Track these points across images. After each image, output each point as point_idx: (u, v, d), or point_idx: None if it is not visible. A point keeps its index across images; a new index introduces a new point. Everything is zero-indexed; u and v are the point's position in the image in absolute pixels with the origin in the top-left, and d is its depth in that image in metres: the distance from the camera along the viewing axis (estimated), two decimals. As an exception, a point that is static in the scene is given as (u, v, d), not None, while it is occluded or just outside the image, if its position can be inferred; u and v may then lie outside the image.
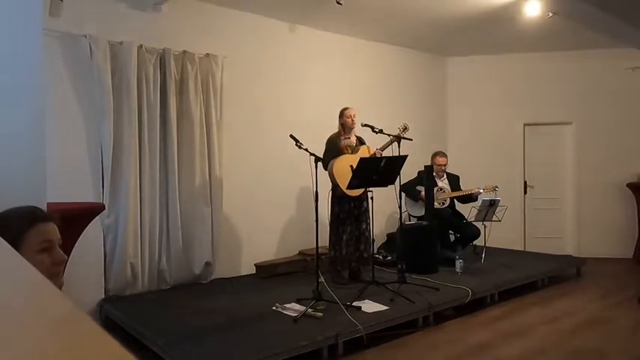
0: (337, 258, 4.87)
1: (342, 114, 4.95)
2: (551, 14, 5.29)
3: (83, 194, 4.23)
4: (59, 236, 1.48)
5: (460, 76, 7.55)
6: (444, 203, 5.94)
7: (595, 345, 3.74)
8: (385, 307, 4.02)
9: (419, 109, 7.06)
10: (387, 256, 5.92)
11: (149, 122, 4.57)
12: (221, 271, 5.10)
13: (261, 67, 5.51)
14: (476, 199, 5.84)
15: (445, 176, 6.08)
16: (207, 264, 4.90)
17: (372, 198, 4.67)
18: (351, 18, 5.61)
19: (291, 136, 4.25)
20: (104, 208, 3.87)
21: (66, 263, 1.52)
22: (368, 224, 4.94)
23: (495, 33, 6.23)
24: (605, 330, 4.06)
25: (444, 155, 6.11)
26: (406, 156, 4.46)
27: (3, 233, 1.34)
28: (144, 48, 4.56)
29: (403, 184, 5.51)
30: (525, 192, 7.39)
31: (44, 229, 1.43)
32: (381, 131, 4.63)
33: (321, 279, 4.22)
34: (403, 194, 5.76)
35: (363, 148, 4.90)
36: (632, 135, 7.02)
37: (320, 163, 4.22)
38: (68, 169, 4.20)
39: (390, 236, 6.42)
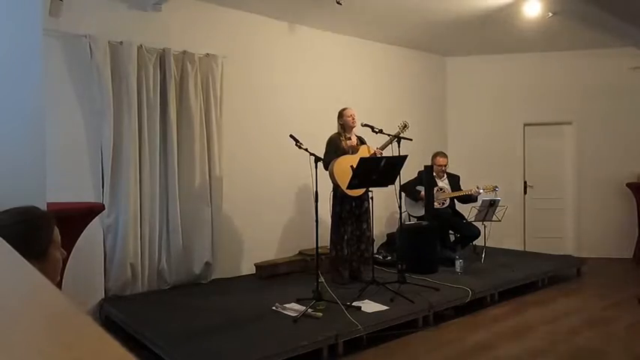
0: (338, 258, 4.87)
1: (341, 114, 4.95)
2: (551, 14, 5.29)
3: (83, 194, 4.23)
4: None
5: (460, 76, 7.55)
6: (443, 203, 5.94)
7: (595, 345, 3.74)
8: (385, 307, 4.02)
9: (419, 108, 7.06)
10: (387, 256, 5.91)
11: (149, 122, 4.57)
12: (221, 271, 5.10)
13: (261, 67, 5.51)
14: (476, 200, 5.84)
15: (445, 176, 6.08)
16: (207, 264, 4.90)
17: (372, 198, 4.67)
18: (351, 18, 5.61)
19: (291, 136, 4.26)
20: (104, 208, 3.87)
21: (65, 261, 1.57)
22: (369, 224, 4.94)
23: (495, 33, 6.23)
24: (605, 330, 4.06)
25: (444, 155, 6.11)
26: (406, 156, 4.46)
27: (37, 233, 1.41)
28: (144, 48, 4.56)
29: (403, 184, 5.51)
30: (525, 192, 7.39)
31: (56, 229, 1.54)
32: (380, 131, 4.63)
33: (321, 279, 4.22)
34: (403, 194, 5.76)
35: (363, 147, 4.90)
36: (632, 135, 7.02)
37: (320, 163, 4.23)
38: (68, 169, 4.20)
39: (390, 236, 6.42)
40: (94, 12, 4.38)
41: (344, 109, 4.96)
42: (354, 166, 4.33)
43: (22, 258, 0.80)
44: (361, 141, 5.01)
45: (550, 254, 6.48)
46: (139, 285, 4.53)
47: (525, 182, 7.39)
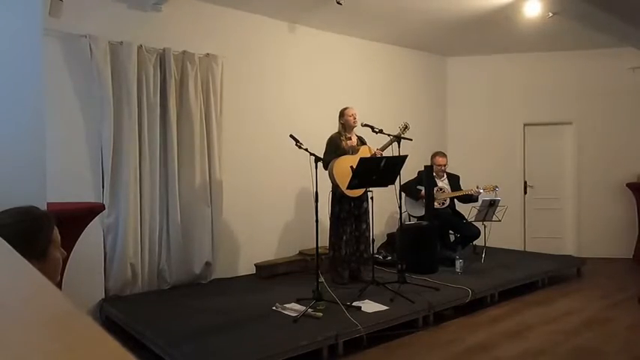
0: (337, 258, 4.87)
1: (342, 114, 4.95)
2: (551, 14, 5.29)
3: (83, 194, 4.24)
4: None
5: (460, 76, 7.55)
6: (443, 203, 5.94)
7: (595, 345, 3.74)
8: (385, 307, 4.02)
9: (419, 109, 7.06)
10: (387, 256, 5.91)
11: (149, 122, 4.57)
12: (221, 271, 5.10)
13: (261, 67, 5.51)
14: (476, 200, 5.84)
15: (445, 176, 6.08)
16: (207, 264, 4.90)
17: (372, 198, 4.67)
18: (351, 18, 5.60)
19: (291, 136, 4.25)
20: (104, 208, 3.87)
21: (65, 261, 1.57)
22: (368, 224, 4.93)
23: (495, 33, 6.23)
24: (605, 330, 4.06)
25: (444, 155, 6.11)
26: (406, 156, 4.46)
27: (37, 232, 1.40)
28: (144, 48, 4.56)
29: (403, 184, 5.51)
30: (525, 192, 7.39)
31: (56, 229, 1.54)
32: (381, 131, 4.63)
33: (321, 279, 4.22)
34: (403, 194, 5.76)
35: (363, 148, 4.90)
36: (632, 135, 7.02)
37: (320, 163, 4.23)
38: (68, 169, 4.20)
39: (390, 236, 6.42)
40: (94, 12, 4.38)
41: (345, 109, 4.96)
42: (354, 167, 4.33)
43: (22, 258, 0.80)
44: (361, 141, 5.01)
45: (550, 254, 6.48)
46: (139, 285, 4.53)
47: (525, 182, 7.39)
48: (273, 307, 4.01)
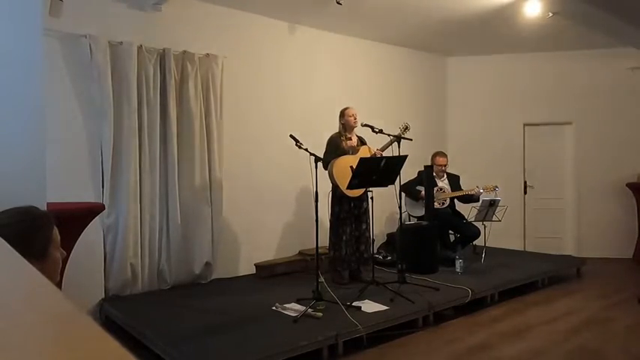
0: (337, 258, 4.87)
1: (343, 114, 4.95)
2: (551, 14, 5.29)
3: (83, 194, 4.23)
4: None
5: (460, 76, 7.55)
6: (443, 203, 5.94)
7: (595, 345, 3.74)
8: (385, 307, 4.02)
9: (419, 109, 7.06)
10: (387, 256, 5.91)
11: (149, 122, 4.57)
12: (221, 271, 5.10)
13: (261, 67, 5.51)
14: (477, 200, 5.84)
15: (445, 176, 6.08)
16: (207, 264, 4.90)
17: (372, 198, 4.67)
18: (351, 18, 5.61)
19: (291, 136, 4.25)
20: (104, 208, 3.87)
21: (65, 261, 1.58)
22: (368, 224, 4.93)
23: (495, 33, 6.23)
24: (605, 330, 4.06)
25: (444, 155, 6.11)
26: (406, 156, 4.46)
27: (37, 232, 1.41)
28: (144, 48, 4.56)
29: (403, 184, 5.51)
30: (525, 192, 7.39)
31: (56, 228, 1.54)
32: (381, 131, 4.63)
33: (321, 279, 4.22)
34: (403, 194, 5.76)
35: (363, 148, 4.89)
36: (632, 135, 7.02)
37: (320, 163, 4.23)
38: (68, 169, 4.20)
39: (390, 236, 6.42)
40: (94, 12, 4.38)
41: (346, 109, 4.96)
42: (354, 167, 4.33)
43: (22, 258, 0.80)
44: (362, 141, 5.01)
45: (550, 254, 6.48)
46: (139, 285, 4.53)
47: (525, 182, 7.40)
48: (273, 307, 4.01)
